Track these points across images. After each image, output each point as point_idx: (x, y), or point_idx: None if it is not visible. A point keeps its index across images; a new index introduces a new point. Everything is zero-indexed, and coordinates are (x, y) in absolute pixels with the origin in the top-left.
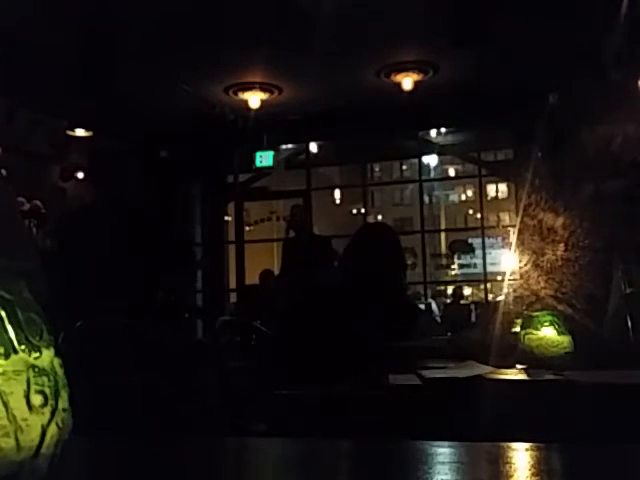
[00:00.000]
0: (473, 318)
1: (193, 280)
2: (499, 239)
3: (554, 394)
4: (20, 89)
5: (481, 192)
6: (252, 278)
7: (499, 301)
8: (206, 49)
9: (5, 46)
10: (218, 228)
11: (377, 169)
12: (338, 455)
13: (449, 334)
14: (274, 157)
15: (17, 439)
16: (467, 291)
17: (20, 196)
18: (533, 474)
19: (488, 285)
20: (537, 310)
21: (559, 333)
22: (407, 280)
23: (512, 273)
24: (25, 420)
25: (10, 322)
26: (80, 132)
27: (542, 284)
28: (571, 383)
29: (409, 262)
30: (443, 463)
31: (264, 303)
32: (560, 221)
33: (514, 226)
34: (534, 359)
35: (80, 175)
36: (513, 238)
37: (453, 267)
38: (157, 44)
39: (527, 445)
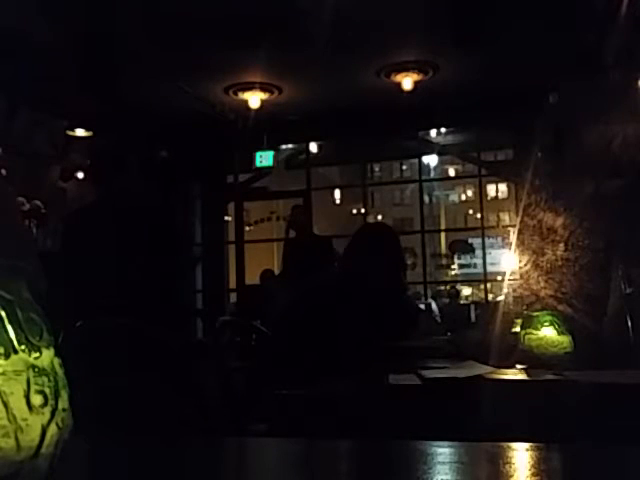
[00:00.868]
0: (473, 318)
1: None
2: (499, 239)
3: (554, 394)
4: (20, 89)
5: (481, 192)
6: (252, 278)
7: (499, 301)
8: (206, 49)
9: (5, 46)
10: (218, 228)
11: (377, 169)
12: (338, 455)
13: (449, 334)
14: (274, 157)
15: (17, 439)
16: (467, 291)
17: (20, 196)
18: (533, 474)
19: (488, 285)
20: (537, 310)
21: (559, 333)
22: (407, 280)
23: (512, 273)
24: (25, 420)
25: (10, 322)
26: (80, 132)
27: (542, 284)
28: (571, 383)
29: (409, 262)
30: (443, 463)
31: (264, 303)
32: (560, 221)
33: (514, 226)
34: (534, 359)
35: (80, 175)
36: (513, 238)
37: (453, 267)
38: (157, 44)
39: (527, 445)
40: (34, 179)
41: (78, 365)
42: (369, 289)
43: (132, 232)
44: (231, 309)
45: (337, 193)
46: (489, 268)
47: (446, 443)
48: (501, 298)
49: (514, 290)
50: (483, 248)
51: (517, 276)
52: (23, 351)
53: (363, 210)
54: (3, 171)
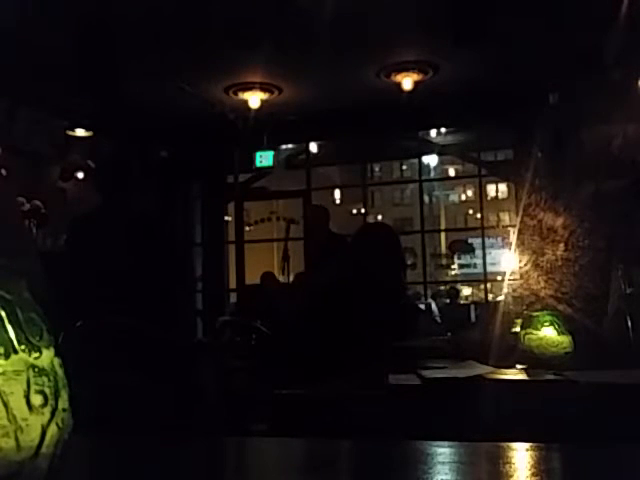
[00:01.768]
0: (473, 318)
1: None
2: (499, 239)
3: (554, 394)
4: (20, 89)
5: (481, 192)
6: (252, 278)
7: (499, 301)
8: (206, 49)
9: (5, 45)
10: (218, 228)
11: (377, 169)
12: (338, 455)
13: (449, 334)
14: (274, 157)
15: (17, 439)
16: (467, 291)
17: (20, 196)
18: (533, 474)
19: (488, 285)
20: (537, 310)
21: (559, 333)
22: (407, 280)
23: (512, 273)
24: (25, 420)
25: (10, 322)
26: (80, 132)
27: (542, 284)
28: (571, 383)
29: (409, 262)
30: (443, 463)
31: (264, 303)
32: (560, 221)
33: (514, 226)
34: (534, 359)
35: (80, 175)
36: (513, 238)
37: (453, 267)
38: (157, 44)
39: (527, 445)
40: (34, 179)
41: (78, 365)
42: (369, 289)
43: (133, 234)
44: (231, 309)
45: (337, 193)
46: (489, 268)
47: (446, 443)
48: (501, 298)
49: (514, 290)
50: (483, 248)
51: (517, 276)
52: (23, 351)
53: (363, 210)
54: (3, 171)
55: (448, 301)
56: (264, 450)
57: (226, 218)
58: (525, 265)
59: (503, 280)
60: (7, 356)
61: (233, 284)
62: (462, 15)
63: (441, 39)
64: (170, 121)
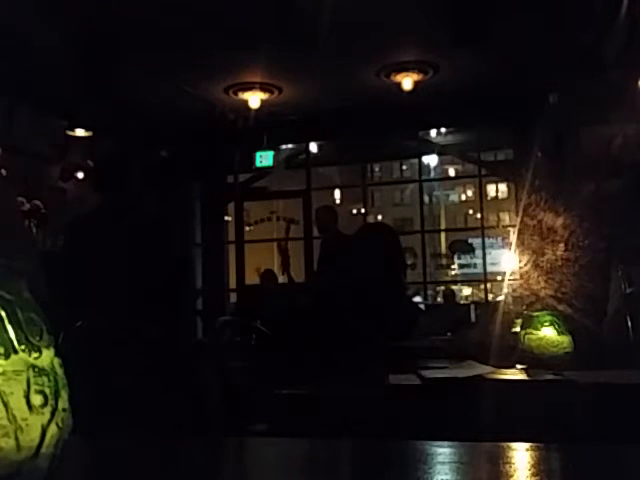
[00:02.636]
0: (473, 318)
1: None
2: (499, 239)
3: (554, 394)
4: (20, 89)
5: (481, 192)
6: (252, 278)
7: (499, 301)
8: (206, 49)
9: (5, 45)
10: (218, 228)
11: (377, 169)
12: (338, 455)
13: (449, 334)
14: (274, 157)
15: (17, 439)
16: (467, 291)
17: (20, 196)
18: (533, 474)
19: (488, 285)
20: (537, 310)
21: (559, 333)
22: (407, 280)
23: (512, 273)
24: (25, 420)
25: (10, 322)
26: (80, 132)
27: (542, 284)
28: (571, 383)
29: (409, 262)
30: (443, 463)
31: (264, 303)
32: (560, 221)
33: (514, 226)
34: (534, 359)
35: (80, 175)
36: (513, 238)
37: (453, 267)
38: (157, 44)
39: (527, 445)
40: (34, 179)
41: (78, 365)
42: (369, 289)
43: (132, 234)
44: (231, 309)
45: (337, 193)
46: (489, 268)
47: (446, 443)
48: (501, 298)
49: (514, 290)
50: (483, 248)
51: (517, 276)
52: (23, 351)
53: (363, 210)
54: (3, 171)
55: (444, 302)
56: (264, 450)
57: (226, 218)
58: (525, 265)
59: (503, 280)
60: (7, 356)
61: (233, 284)
62: (462, 15)
63: (441, 39)
64: (170, 121)
